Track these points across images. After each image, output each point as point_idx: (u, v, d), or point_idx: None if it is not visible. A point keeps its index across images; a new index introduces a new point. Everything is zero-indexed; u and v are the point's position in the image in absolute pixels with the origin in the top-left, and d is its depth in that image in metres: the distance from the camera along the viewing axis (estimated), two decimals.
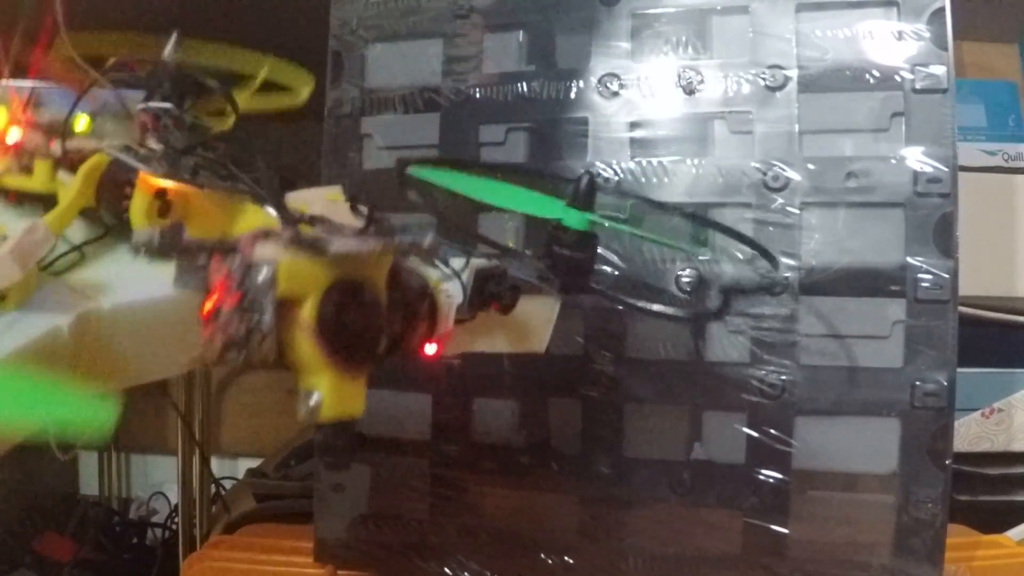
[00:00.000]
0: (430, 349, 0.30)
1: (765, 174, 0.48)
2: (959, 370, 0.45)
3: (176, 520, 0.94)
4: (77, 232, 0.32)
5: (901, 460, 0.46)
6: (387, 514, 0.54)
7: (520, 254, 0.45)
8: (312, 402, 0.24)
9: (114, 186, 0.30)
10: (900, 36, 0.47)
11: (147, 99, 0.31)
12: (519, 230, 0.52)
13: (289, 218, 0.27)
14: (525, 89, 0.52)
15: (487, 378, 0.51)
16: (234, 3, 0.70)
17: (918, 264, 0.45)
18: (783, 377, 0.47)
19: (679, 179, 0.49)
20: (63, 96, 0.33)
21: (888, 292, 0.46)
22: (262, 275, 0.23)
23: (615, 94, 0.51)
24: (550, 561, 0.51)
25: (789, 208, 0.47)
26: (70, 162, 0.32)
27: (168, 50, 0.32)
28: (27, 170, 0.33)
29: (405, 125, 0.54)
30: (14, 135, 0.33)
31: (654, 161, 0.49)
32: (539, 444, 0.51)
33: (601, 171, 0.50)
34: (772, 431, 0.47)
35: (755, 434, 0.47)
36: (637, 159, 0.50)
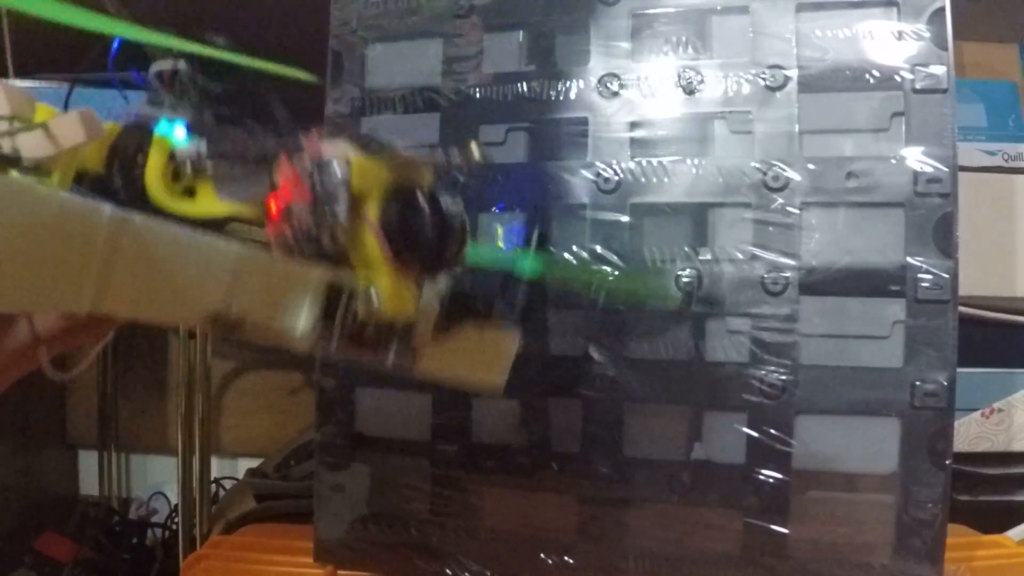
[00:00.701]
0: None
1: (765, 174, 0.48)
2: (959, 370, 0.45)
3: (176, 520, 0.94)
4: None
5: (901, 460, 0.46)
6: (387, 514, 0.54)
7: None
8: (375, 298, 0.26)
9: (126, 154, 0.30)
10: (900, 36, 0.47)
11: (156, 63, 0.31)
12: (519, 229, 0.52)
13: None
14: (525, 89, 0.52)
15: None
16: (234, 3, 0.70)
17: (918, 264, 0.45)
18: (783, 377, 0.47)
19: (679, 179, 0.49)
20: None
21: (888, 292, 0.46)
22: (340, 171, 0.24)
23: (615, 94, 0.51)
24: (550, 561, 0.51)
25: (789, 208, 0.47)
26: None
27: None
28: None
29: (405, 125, 0.54)
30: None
31: (654, 161, 0.49)
32: (539, 444, 0.51)
33: (601, 171, 0.50)
34: (772, 431, 0.47)
35: (755, 434, 0.47)
36: (637, 159, 0.50)
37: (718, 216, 0.49)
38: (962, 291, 0.45)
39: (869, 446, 0.46)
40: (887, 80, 0.47)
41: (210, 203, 0.28)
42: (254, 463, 0.85)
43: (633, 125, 0.50)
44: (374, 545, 0.54)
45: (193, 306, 0.24)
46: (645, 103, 0.50)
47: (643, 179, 0.50)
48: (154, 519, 1.03)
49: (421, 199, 0.27)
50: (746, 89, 0.49)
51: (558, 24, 0.52)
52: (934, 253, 0.45)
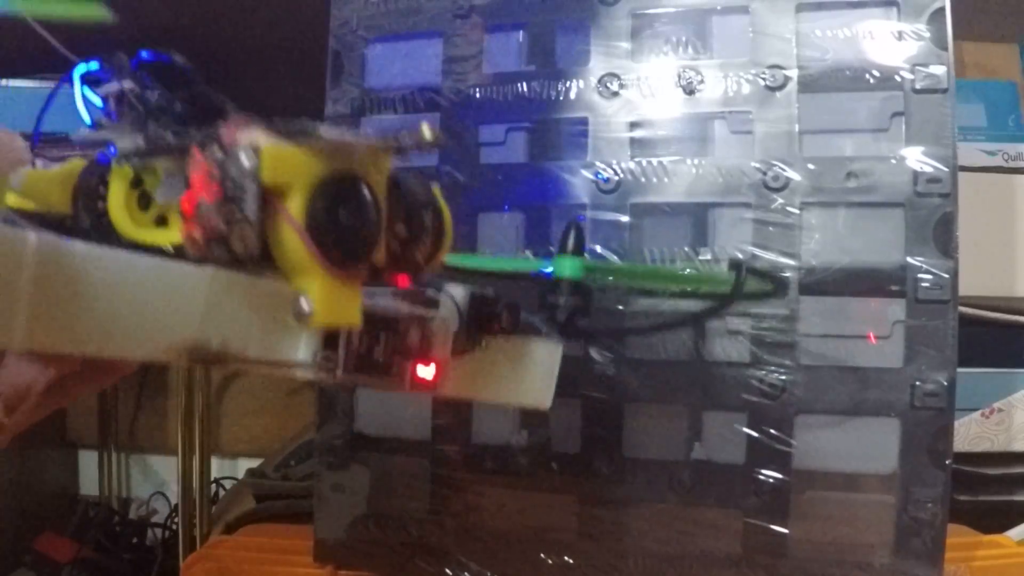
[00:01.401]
0: (426, 372, 0.28)
1: (765, 174, 0.48)
2: (959, 370, 0.45)
3: (176, 520, 0.94)
4: None
5: (901, 460, 0.46)
6: (387, 514, 0.54)
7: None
8: (303, 306, 0.22)
9: (89, 188, 0.28)
10: (900, 36, 0.47)
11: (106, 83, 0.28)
12: (519, 229, 0.52)
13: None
14: (525, 89, 0.52)
15: None
16: (234, 3, 0.70)
17: (918, 264, 0.45)
18: (783, 377, 0.47)
19: (679, 179, 0.49)
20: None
21: (888, 292, 0.46)
22: (245, 161, 0.21)
23: (615, 94, 0.51)
24: (550, 561, 0.51)
25: (789, 208, 0.47)
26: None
27: None
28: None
29: (405, 125, 0.54)
30: None
31: (654, 161, 0.49)
32: (539, 444, 0.51)
33: (601, 171, 0.50)
34: (772, 431, 0.47)
35: (755, 434, 0.47)
36: (637, 159, 0.50)
37: (718, 216, 0.49)
38: (962, 291, 0.45)
39: (869, 446, 0.46)
40: (887, 80, 0.47)
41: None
42: (254, 463, 0.85)
43: (633, 125, 0.50)
44: (374, 545, 0.54)
45: (159, 339, 0.22)
46: (645, 103, 0.50)
47: (643, 179, 0.50)
48: (154, 519, 1.04)
49: (364, 189, 0.23)
50: (746, 89, 0.49)
51: (558, 24, 0.52)
52: (934, 253, 0.45)
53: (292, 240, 0.22)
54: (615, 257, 0.49)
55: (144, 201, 0.27)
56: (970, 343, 0.48)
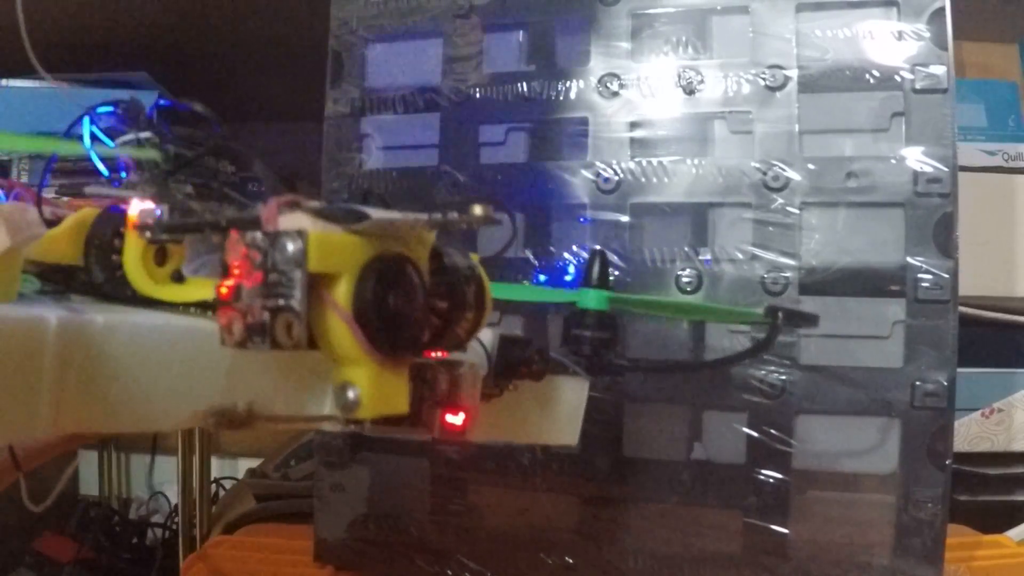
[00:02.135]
0: (455, 419, 0.27)
1: (765, 174, 0.48)
2: (959, 370, 0.45)
3: (176, 520, 0.94)
4: None
5: (901, 460, 0.46)
6: (387, 514, 0.54)
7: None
8: (350, 397, 0.21)
9: (102, 241, 0.27)
10: (900, 36, 0.47)
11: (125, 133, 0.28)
12: (520, 229, 0.52)
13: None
14: (525, 89, 0.52)
15: None
16: (234, 3, 0.70)
17: (918, 264, 0.45)
18: (783, 377, 0.47)
19: (679, 179, 0.49)
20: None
21: (888, 292, 0.46)
22: (290, 247, 0.19)
23: (615, 94, 0.51)
24: (550, 561, 0.51)
25: (789, 208, 0.47)
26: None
27: None
28: None
29: (405, 125, 0.55)
30: None
31: (654, 161, 0.49)
32: (539, 444, 0.51)
33: (601, 171, 0.50)
34: (772, 431, 0.47)
35: (755, 434, 0.47)
36: (637, 159, 0.50)
37: (718, 216, 0.49)
38: (962, 291, 0.45)
39: (869, 446, 0.46)
40: (887, 80, 0.47)
41: (201, 286, 0.25)
42: (254, 463, 0.85)
43: (633, 125, 0.50)
44: (374, 545, 0.54)
45: (184, 406, 0.21)
46: (645, 103, 0.50)
47: (643, 179, 0.50)
48: (154, 519, 1.04)
49: (411, 271, 0.22)
50: (746, 89, 0.49)
51: (558, 24, 0.52)
52: (934, 253, 0.45)
53: (339, 329, 0.20)
54: (615, 257, 0.49)
55: (161, 256, 0.26)
56: (970, 343, 0.48)
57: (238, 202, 0.26)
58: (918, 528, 0.45)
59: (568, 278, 0.49)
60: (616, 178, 0.50)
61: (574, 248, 0.50)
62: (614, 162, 0.50)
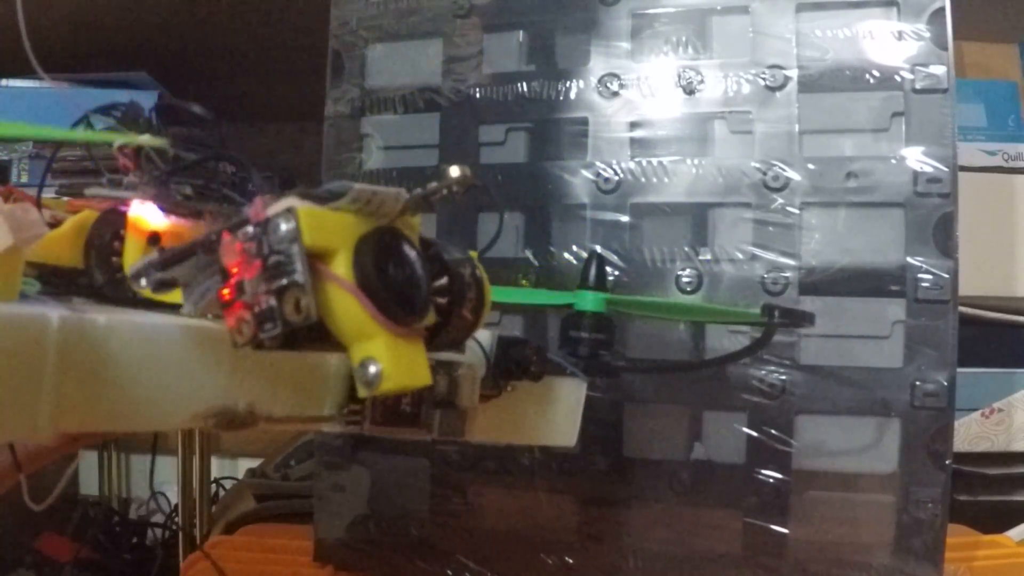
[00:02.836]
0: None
1: (765, 174, 0.48)
2: (959, 370, 0.45)
3: (176, 520, 0.94)
4: None
5: (901, 460, 0.46)
6: (387, 514, 0.54)
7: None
8: (372, 372, 0.20)
9: (102, 243, 0.27)
10: (900, 36, 0.47)
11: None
12: (519, 230, 0.52)
13: None
14: (525, 89, 0.52)
15: None
16: (235, 3, 0.70)
17: (918, 264, 0.45)
18: (783, 377, 0.47)
19: (679, 179, 0.49)
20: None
21: (888, 292, 0.46)
22: (283, 226, 0.19)
23: (615, 94, 0.51)
24: (550, 561, 0.51)
25: (789, 208, 0.47)
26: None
27: None
28: None
29: (405, 125, 0.55)
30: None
31: (654, 161, 0.49)
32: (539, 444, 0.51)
33: (601, 171, 0.50)
34: (772, 431, 0.47)
35: (755, 434, 0.47)
36: (637, 159, 0.50)
37: (718, 216, 0.49)
38: (962, 291, 0.45)
39: (869, 446, 0.46)
40: (887, 80, 0.47)
41: None
42: (254, 463, 0.85)
43: (633, 125, 0.50)
44: (374, 545, 0.54)
45: (185, 407, 0.21)
46: (645, 103, 0.50)
47: (643, 179, 0.50)
48: (154, 519, 1.03)
49: (405, 243, 0.22)
50: (746, 89, 0.49)
51: (558, 24, 0.52)
52: (934, 253, 0.45)
53: (345, 303, 0.20)
54: (615, 257, 0.49)
55: None
56: (970, 343, 0.48)
57: (238, 203, 0.26)
58: (918, 528, 0.45)
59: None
60: (616, 178, 0.50)
61: (574, 248, 0.50)
62: (614, 162, 0.50)
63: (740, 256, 0.48)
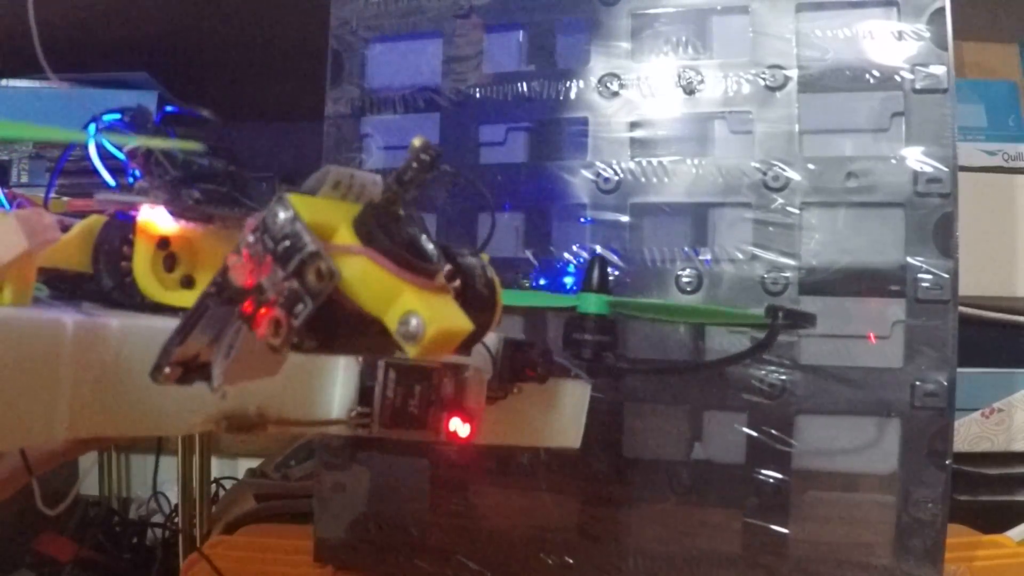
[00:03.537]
0: (462, 430, 0.27)
1: (765, 174, 0.48)
2: (959, 370, 0.45)
3: (176, 520, 0.94)
4: None
5: (901, 460, 0.46)
6: (387, 514, 0.54)
7: None
8: (413, 323, 0.19)
9: (111, 248, 0.27)
10: (900, 36, 0.47)
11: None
12: (519, 229, 0.52)
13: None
14: (525, 89, 0.52)
15: None
16: (234, 3, 0.70)
17: (918, 264, 0.45)
18: (783, 377, 0.47)
19: (679, 179, 0.49)
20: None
21: (888, 292, 0.46)
22: (281, 214, 0.19)
23: (615, 94, 0.51)
24: (550, 561, 0.51)
25: (789, 208, 0.47)
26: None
27: None
28: None
29: (405, 125, 0.55)
30: None
31: (654, 161, 0.49)
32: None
33: (601, 171, 0.50)
34: (772, 431, 0.47)
35: (755, 434, 0.47)
36: (637, 159, 0.50)
37: (718, 216, 0.49)
38: (962, 291, 0.45)
39: (869, 446, 0.46)
40: (887, 80, 0.47)
41: None
42: (254, 463, 0.85)
43: (633, 125, 0.50)
44: (374, 545, 0.54)
45: (197, 410, 0.21)
46: (645, 103, 0.50)
47: (643, 179, 0.50)
48: (154, 519, 1.03)
49: (403, 219, 0.22)
50: (746, 89, 0.49)
51: (558, 24, 0.52)
52: (934, 253, 0.45)
53: (362, 269, 0.20)
54: (615, 257, 0.49)
55: (170, 262, 0.26)
56: (970, 343, 0.48)
57: (247, 206, 0.26)
58: (918, 528, 0.45)
59: (568, 281, 0.49)
60: (616, 178, 0.50)
61: (574, 248, 0.50)
62: (614, 162, 0.50)
63: (740, 256, 0.48)
